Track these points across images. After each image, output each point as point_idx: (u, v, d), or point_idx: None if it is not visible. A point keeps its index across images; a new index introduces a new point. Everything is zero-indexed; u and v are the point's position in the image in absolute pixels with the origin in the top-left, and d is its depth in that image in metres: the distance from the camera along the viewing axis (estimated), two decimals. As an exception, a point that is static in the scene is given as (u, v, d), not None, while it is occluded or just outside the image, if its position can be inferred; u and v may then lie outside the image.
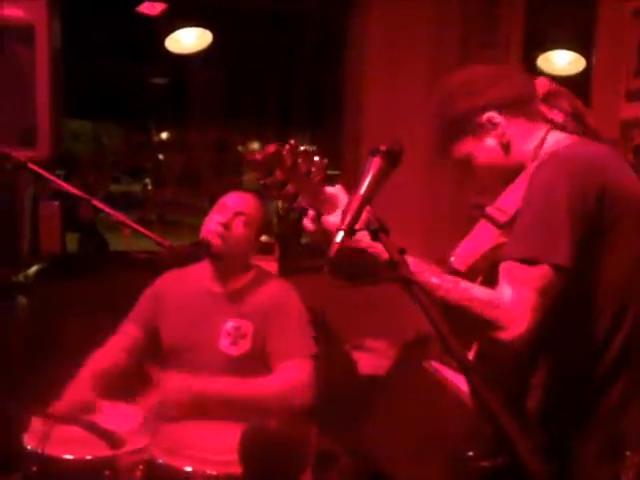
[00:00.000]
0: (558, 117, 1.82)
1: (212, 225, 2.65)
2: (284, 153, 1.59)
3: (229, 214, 2.66)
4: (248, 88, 9.42)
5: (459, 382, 1.89)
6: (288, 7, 5.10)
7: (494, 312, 1.52)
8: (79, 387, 2.58)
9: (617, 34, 3.47)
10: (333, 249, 1.36)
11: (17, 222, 3.79)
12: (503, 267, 1.59)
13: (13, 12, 3.24)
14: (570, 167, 1.65)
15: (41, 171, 2.36)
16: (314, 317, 3.02)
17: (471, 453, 1.21)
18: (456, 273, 1.72)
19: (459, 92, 1.85)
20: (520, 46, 4.20)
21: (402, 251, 1.36)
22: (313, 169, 1.62)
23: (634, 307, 1.70)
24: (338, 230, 1.38)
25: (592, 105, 3.56)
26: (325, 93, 5.34)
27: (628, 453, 1.33)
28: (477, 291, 1.60)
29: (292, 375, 2.58)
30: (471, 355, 1.83)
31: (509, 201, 1.72)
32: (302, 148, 1.63)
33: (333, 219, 1.60)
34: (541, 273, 1.55)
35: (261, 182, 1.62)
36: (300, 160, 1.61)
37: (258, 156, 1.61)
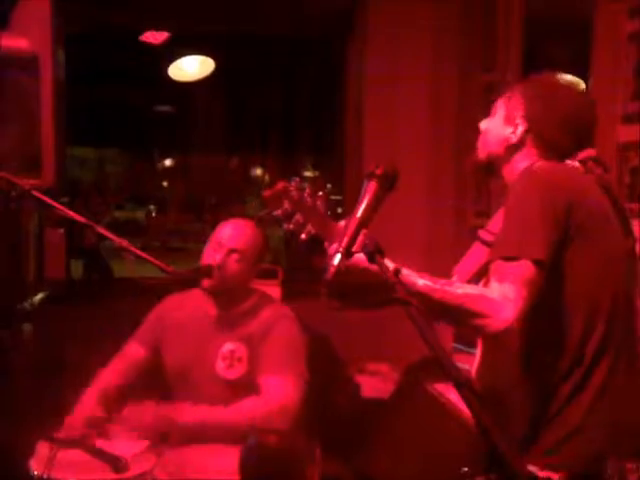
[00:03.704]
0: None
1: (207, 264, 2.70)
2: (291, 188, 1.80)
3: (222, 253, 2.69)
4: (251, 114, 9.48)
5: (462, 404, 1.94)
6: (289, 34, 5.15)
7: (483, 304, 1.66)
8: (87, 405, 2.63)
9: (614, 57, 3.50)
10: (330, 271, 1.40)
11: (22, 249, 3.82)
12: (490, 268, 1.75)
13: (18, 43, 3.28)
14: (542, 181, 1.82)
15: (46, 198, 2.38)
16: (317, 341, 3.04)
17: (465, 469, 1.24)
18: None
19: (541, 91, 1.99)
20: (518, 70, 4.23)
21: (397, 273, 1.39)
22: (318, 202, 1.81)
23: (602, 315, 1.83)
24: (335, 252, 1.42)
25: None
26: (326, 118, 5.38)
27: (609, 462, 1.36)
28: (468, 288, 1.76)
29: (275, 395, 2.58)
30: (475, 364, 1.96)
31: (496, 224, 1.89)
32: (306, 185, 1.84)
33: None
34: (522, 267, 1.69)
35: (273, 214, 1.84)
36: (306, 194, 1.81)
37: (267, 192, 1.84)
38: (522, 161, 1.95)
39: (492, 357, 1.93)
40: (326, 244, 1.78)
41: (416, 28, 4.45)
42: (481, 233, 1.98)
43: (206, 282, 2.69)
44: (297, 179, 1.82)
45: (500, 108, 2.04)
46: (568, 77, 2.03)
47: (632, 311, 1.97)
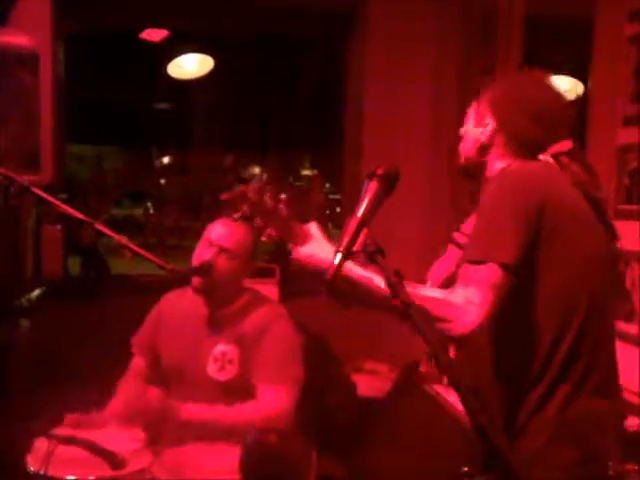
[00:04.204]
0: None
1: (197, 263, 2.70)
2: (249, 192, 1.80)
3: (213, 252, 2.68)
4: (250, 112, 9.49)
5: (459, 404, 1.95)
6: (289, 33, 5.16)
7: (445, 309, 1.66)
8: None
9: (614, 60, 3.50)
10: (331, 271, 1.40)
11: (20, 246, 3.83)
12: (459, 271, 1.75)
13: (18, 40, 3.28)
14: (514, 183, 1.81)
15: (44, 195, 2.38)
16: (314, 340, 3.04)
17: (465, 469, 1.25)
18: None
19: (507, 87, 2.04)
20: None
21: (397, 273, 1.40)
22: (280, 205, 1.80)
23: (576, 319, 1.81)
24: (336, 252, 1.43)
25: (589, 129, 3.60)
26: (326, 117, 5.39)
27: (610, 463, 1.37)
28: (433, 292, 1.76)
29: (270, 403, 2.59)
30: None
31: (470, 226, 1.90)
32: (268, 188, 1.84)
33: (304, 249, 1.78)
34: (489, 271, 1.68)
35: (233, 216, 1.87)
36: (266, 197, 1.80)
37: (224, 195, 1.84)
38: (496, 160, 1.97)
39: (465, 360, 1.93)
40: (290, 246, 1.80)
41: (417, 28, 4.45)
42: (455, 235, 2.02)
43: (197, 281, 2.68)
44: (258, 182, 1.84)
45: (471, 112, 2.07)
46: (536, 72, 2.05)
47: (611, 312, 1.96)
